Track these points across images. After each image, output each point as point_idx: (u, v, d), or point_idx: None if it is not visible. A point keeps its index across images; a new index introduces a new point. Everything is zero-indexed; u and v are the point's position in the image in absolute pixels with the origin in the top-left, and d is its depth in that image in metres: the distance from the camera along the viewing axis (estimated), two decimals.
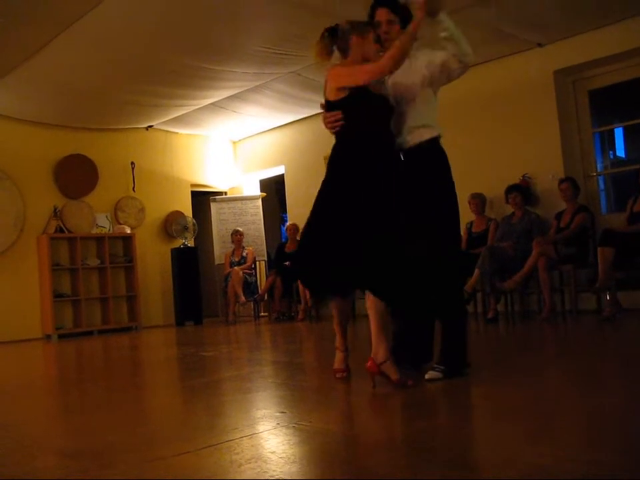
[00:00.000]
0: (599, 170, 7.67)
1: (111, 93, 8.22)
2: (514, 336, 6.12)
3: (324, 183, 3.47)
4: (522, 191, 7.33)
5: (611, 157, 8.38)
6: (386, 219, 3.33)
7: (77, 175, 9.75)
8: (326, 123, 3.50)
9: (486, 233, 7.56)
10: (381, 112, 3.49)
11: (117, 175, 10.23)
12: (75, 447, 2.63)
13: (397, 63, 3.30)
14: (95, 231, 9.89)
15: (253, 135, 11.14)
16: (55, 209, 9.53)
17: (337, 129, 3.45)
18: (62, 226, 9.54)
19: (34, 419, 3.42)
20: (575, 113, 7.63)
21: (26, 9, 5.74)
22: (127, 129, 10.18)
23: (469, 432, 2.53)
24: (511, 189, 7.34)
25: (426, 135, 3.63)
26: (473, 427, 2.62)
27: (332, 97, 3.46)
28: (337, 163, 3.46)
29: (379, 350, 3.30)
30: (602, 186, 7.70)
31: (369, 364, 3.31)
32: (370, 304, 3.34)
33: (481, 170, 7.94)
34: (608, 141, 8.22)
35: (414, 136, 3.58)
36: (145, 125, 10.22)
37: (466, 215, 7.81)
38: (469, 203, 7.71)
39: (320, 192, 3.46)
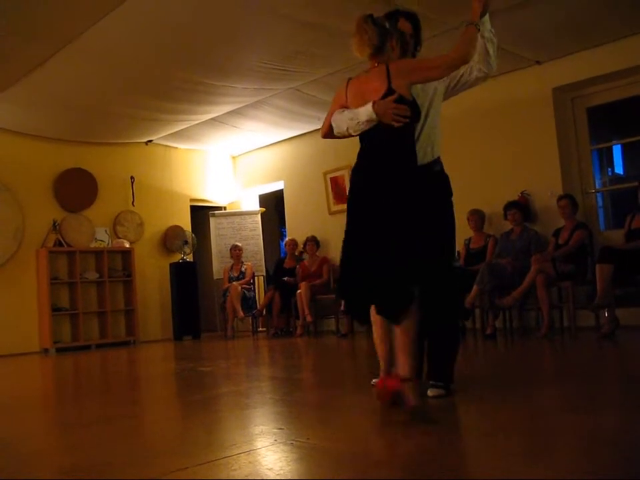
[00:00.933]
0: (597, 187, 7.69)
1: (111, 107, 8.25)
2: (512, 352, 6.12)
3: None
4: (520, 208, 7.34)
5: (609, 174, 8.41)
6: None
7: (76, 189, 9.77)
8: (391, 113, 3.12)
9: (484, 249, 7.57)
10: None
11: (116, 189, 10.25)
12: (72, 463, 2.62)
13: (467, 55, 3.19)
14: (93, 245, 9.89)
15: (253, 150, 11.17)
16: (54, 223, 9.54)
17: (399, 124, 3.15)
18: (61, 239, 9.54)
19: (31, 433, 3.41)
20: (573, 130, 7.66)
21: (27, 24, 5.77)
22: (126, 143, 10.21)
23: (466, 449, 2.52)
24: (509, 206, 7.36)
25: (437, 152, 3.72)
26: (470, 443, 2.61)
27: (407, 94, 3.21)
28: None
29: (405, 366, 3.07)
30: (600, 203, 7.72)
31: (391, 382, 3.09)
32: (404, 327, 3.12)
33: (480, 186, 7.96)
34: (606, 158, 8.25)
35: (426, 152, 3.63)
36: (145, 140, 10.25)
37: (464, 231, 7.83)
38: (468, 219, 7.73)
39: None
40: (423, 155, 3.57)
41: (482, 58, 3.47)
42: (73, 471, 2.45)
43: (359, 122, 3.20)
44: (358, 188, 3.25)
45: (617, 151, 8.44)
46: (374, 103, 3.14)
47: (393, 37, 3.27)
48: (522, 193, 7.61)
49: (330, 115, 3.44)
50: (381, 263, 3.09)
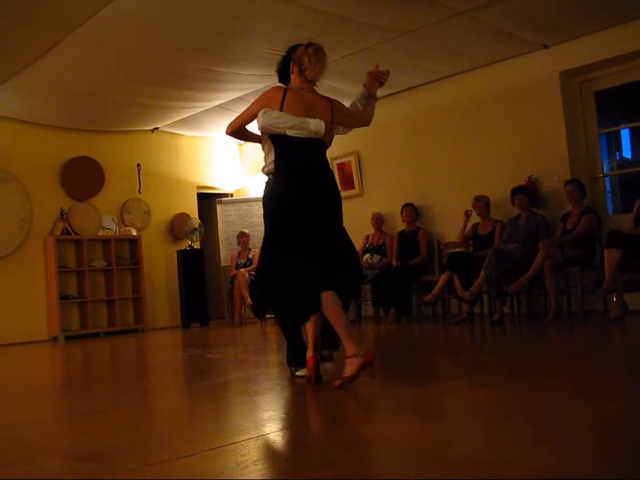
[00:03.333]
0: (605, 171, 7.65)
1: (116, 95, 8.24)
2: (520, 338, 6.11)
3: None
4: (528, 193, 7.31)
5: (617, 158, 8.36)
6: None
7: (83, 177, 9.78)
8: (330, 137, 3.90)
9: (492, 234, 7.55)
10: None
11: (123, 177, 10.25)
12: (81, 449, 2.64)
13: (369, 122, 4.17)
14: (101, 233, 9.91)
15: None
16: (62, 211, 9.55)
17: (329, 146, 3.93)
18: (68, 228, 9.56)
19: (40, 420, 3.43)
20: (581, 114, 7.61)
21: (33, 12, 5.76)
22: (133, 131, 10.20)
23: (472, 434, 2.52)
24: (516, 191, 7.32)
25: None
26: (477, 428, 2.62)
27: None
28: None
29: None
30: (608, 187, 7.68)
31: (367, 356, 3.43)
32: (330, 308, 3.60)
33: (487, 171, 7.95)
34: (614, 142, 8.20)
35: None
36: (151, 127, 10.24)
37: (472, 217, 7.82)
38: (473, 205, 7.71)
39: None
40: None
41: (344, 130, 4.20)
42: (81, 457, 2.47)
43: (306, 129, 3.73)
44: (297, 193, 3.75)
45: (625, 135, 8.39)
46: (326, 124, 3.78)
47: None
48: (529, 177, 7.57)
49: (249, 111, 3.92)
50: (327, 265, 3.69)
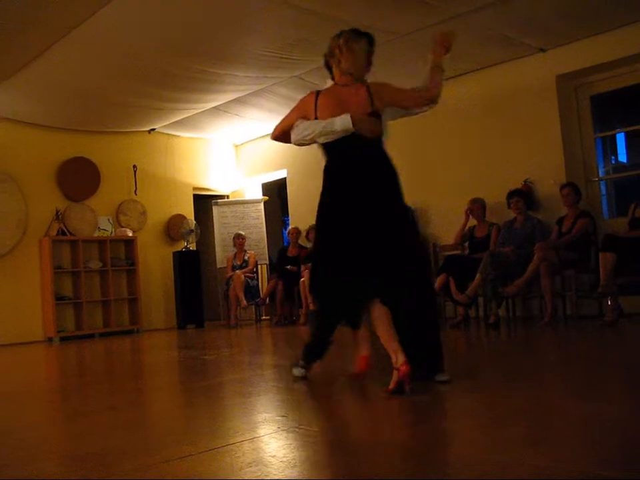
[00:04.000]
0: (600, 175, 7.67)
1: (113, 96, 8.24)
2: (515, 341, 6.12)
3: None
4: (524, 196, 7.33)
5: (613, 162, 8.39)
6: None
7: (79, 178, 9.77)
8: (367, 126, 3.44)
9: (488, 238, 7.56)
10: None
11: (119, 178, 10.25)
12: (77, 450, 2.63)
13: (440, 95, 3.59)
14: (97, 234, 9.90)
15: (255, 139, 11.15)
16: (57, 212, 9.54)
17: (372, 135, 3.48)
18: (64, 229, 9.55)
19: (36, 422, 3.42)
20: (576, 117, 7.63)
21: (29, 12, 5.76)
22: (129, 132, 10.20)
23: (468, 435, 2.52)
24: (512, 194, 7.34)
25: None
26: (472, 430, 2.62)
27: (379, 108, 3.53)
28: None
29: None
30: (604, 191, 7.70)
31: (404, 368, 3.20)
32: (379, 314, 3.37)
33: (483, 174, 7.96)
34: (610, 146, 8.24)
35: None
36: (148, 128, 10.24)
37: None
38: (470, 208, 7.72)
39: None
40: None
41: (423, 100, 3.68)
42: (77, 459, 2.46)
43: (333, 130, 3.40)
44: (337, 198, 3.48)
45: (620, 139, 8.42)
46: (352, 115, 3.39)
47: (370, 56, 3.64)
48: (525, 181, 7.59)
49: (288, 119, 3.66)
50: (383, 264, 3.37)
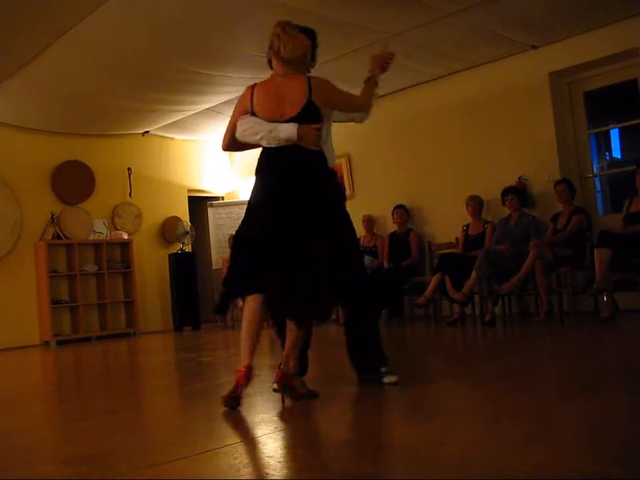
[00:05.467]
0: (595, 171, 7.68)
1: (106, 99, 8.22)
2: (512, 338, 6.13)
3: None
4: (518, 193, 7.33)
5: (607, 158, 8.39)
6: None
7: (73, 182, 9.76)
8: (312, 138, 3.32)
9: (483, 235, 7.57)
10: None
11: (113, 180, 10.23)
12: (74, 453, 2.63)
13: (371, 106, 3.65)
14: (92, 237, 9.89)
15: None
16: (52, 216, 9.53)
17: (316, 148, 3.37)
18: (59, 232, 9.53)
19: (33, 425, 3.42)
20: (570, 114, 7.64)
21: (22, 17, 5.74)
22: (123, 134, 10.18)
23: (464, 434, 2.53)
24: (507, 191, 7.34)
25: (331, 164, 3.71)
26: (468, 428, 2.62)
27: (324, 109, 3.43)
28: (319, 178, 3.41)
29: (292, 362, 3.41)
30: (598, 187, 7.71)
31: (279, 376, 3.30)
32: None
33: (477, 172, 7.97)
34: (604, 142, 8.24)
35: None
36: (141, 131, 10.22)
37: (463, 217, 7.84)
38: (467, 205, 7.73)
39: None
40: None
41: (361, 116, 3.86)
42: (73, 461, 2.46)
43: (277, 138, 3.30)
44: (273, 199, 3.32)
45: (614, 134, 8.42)
46: (298, 127, 3.27)
47: (311, 50, 3.59)
48: (519, 178, 7.60)
49: (232, 125, 3.53)
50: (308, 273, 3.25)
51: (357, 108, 3.66)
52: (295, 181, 3.30)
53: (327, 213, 3.34)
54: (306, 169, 3.35)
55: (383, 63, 3.69)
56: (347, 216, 3.54)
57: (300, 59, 3.45)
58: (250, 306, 3.36)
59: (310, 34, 3.66)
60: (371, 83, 3.60)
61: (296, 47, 3.40)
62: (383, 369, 3.55)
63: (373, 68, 3.66)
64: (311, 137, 3.30)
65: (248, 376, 3.20)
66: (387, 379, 3.50)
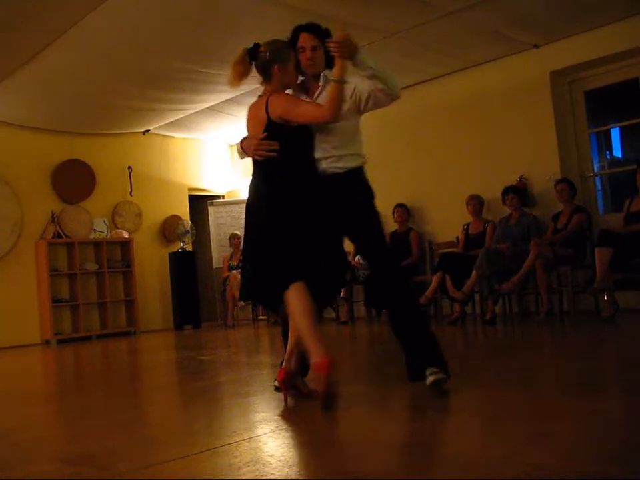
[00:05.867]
0: (595, 170, 7.68)
1: (107, 97, 8.22)
2: (512, 337, 6.13)
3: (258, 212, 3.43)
4: (519, 192, 7.33)
5: (608, 157, 8.39)
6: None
7: (74, 180, 9.75)
8: (253, 150, 3.41)
9: (483, 234, 7.57)
10: (309, 140, 3.51)
11: (114, 179, 10.23)
12: (74, 452, 2.63)
13: (337, 114, 3.25)
14: (92, 236, 9.89)
15: None
16: (53, 214, 9.53)
17: (261, 158, 3.41)
18: (60, 231, 9.53)
19: (33, 424, 3.42)
20: (571, 113, 7.64)
21: (22, 15, 5.74)
22: (123, 133, 10.18)
23: (465, 433, 2.53)
24: (507, 191, 7.34)
25: (352, 163, 3.58)
26: (469, 427, 2.62)
27: (276, 120, 3.39)
28: (275, 195, 3.38)
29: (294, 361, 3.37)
30: (599, 186, 7.71)
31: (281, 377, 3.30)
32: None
33: (478, 171, 7.96)
34: (604, 142, 8.24)
35: (339, 164, 3.53)
36: (142, 130, 10.22)
37: (463, 217, 7.84)
38: (467, 204, 7.73)
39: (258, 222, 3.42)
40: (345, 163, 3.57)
41: (380, 93, 3.37)
42: (74, 461, 2.46)
43: (239, 152, 3.61)
44: (249, 205, 3.52)
45: (615, 134, 8.42)
46: (241, 141, 3.53)
47: (271, 67, 3.43)
48: (520, 177, 7.59)
49: None
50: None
51: (316, 120, 3.33)
52: (255, 190, 3.51)
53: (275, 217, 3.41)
54: (265, 175, 3.47)
55: (333, 53, 3.23)
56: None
57: (263, 79, 3.54)
58: (297, 296, 3.26)
59: (311, 31, 3.52)
60: (333, 84, 3.25)
61: (233, 75, 3.60)
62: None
63: (339, 65, 3.25)
64: (252, 147, 3.43)
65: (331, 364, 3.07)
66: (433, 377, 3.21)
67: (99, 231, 9.98)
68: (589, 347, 4.92)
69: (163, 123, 9.81)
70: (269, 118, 3.39)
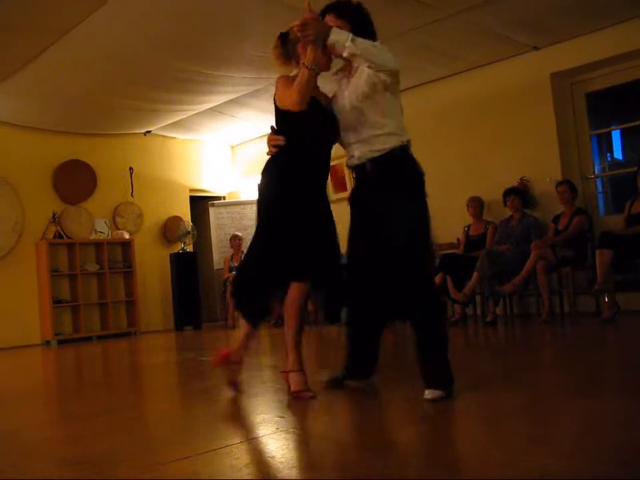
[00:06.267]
0: (596, 172, 7.68)
1: (108, 98, 8.23)
2: (513, 339, 6.12)
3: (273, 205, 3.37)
4: (520, 194, 7.33)
5: (609, 159, 8.39)
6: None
7: (75, 181, 9.76)
8: (268, 144, 3.45)
9: (484, 236, 7.57)
10: (326, 129, 3.38)
11: (115, 180, 10.24)
12: (74, 453, 2.63)
13: (300, 100, 3.12)
14: (93, 237, 9.89)
15: (251, 140, 11.14)
16: (54, 215, 9.53)
17: (270, 154, 3.43)
18: (61, 231, 9.54)
19: (33, 425, 3.42)
20: (572, 115, 7.64)
21: (24, 16, 5.75)
22: (125, 134, 10.19)
23: (466, 435, 2.53)
24: (508, 192, 7.34)
25: (389, 143, 3.26)
26: (470, 430, 2.62)
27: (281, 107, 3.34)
28: (285, 186, 3.35)
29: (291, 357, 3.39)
30: (600, 188, 7.71)
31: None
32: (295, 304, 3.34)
33: (479, 173, 7.96)
34: (605, 143, 8.23)
35: (373, 146, 3.26)
36: (143, 130, 10.22)
37: (463, 218, 7.84)
38: (467, 206, 7.73)
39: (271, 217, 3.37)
40: (381, 144, 3.28)
41: (373, 72, 3.17)
42: (75, 461, 2.46)
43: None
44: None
45: (616, 136, 8.42)
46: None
47: (296, 45, 3.35)
48: (521, 179, 7.59)
49: None
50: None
51: (286, 103, 3.22)
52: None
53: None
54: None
55: (300, 37, 3.19)
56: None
57: (284, 59, 3.45)
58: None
59: (337, 11, 3.32)
60: (301, 69, 3.18)
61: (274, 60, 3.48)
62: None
63: (308, 51, 3.17)
64: (270, 144, 3.42)
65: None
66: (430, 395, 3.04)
67: (99, 232, 9.99)
68: (590, 348, 4.91)
69: (164, 124, 9.82)
70: (275, 105, 3.33)
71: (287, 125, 3.35)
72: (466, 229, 7.80)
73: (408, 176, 3.30)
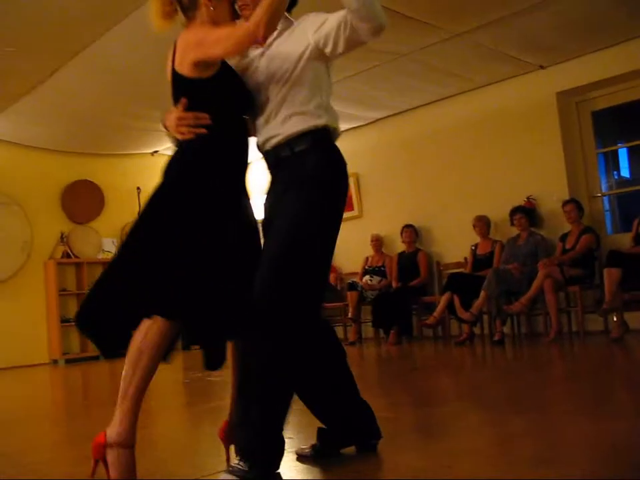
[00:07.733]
0: (603, 190, 7.68)
1: (116, 118, 8.28)
2: (521, 358, 6.10)
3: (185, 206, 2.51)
4: (527, 213, 7.33)
5: (616, 177, 8.39)
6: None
7: (83, 201, 9.81)
8: (179, 125, 2.59)
9: (491, 255, 7.56)
10: (247, 103, 2.54)
11: (123, 200, 10.27)
12: (81, 473, 2.62)
13: (268, 27, 2.20)
14: (101, 256, 9.91)
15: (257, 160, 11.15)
16: (62, 235, 9.57)
17: (185, 137, 2.56)
18: (69, 251, 9.57)
19: (40, 446, 3.41)
20: (578, 134, 7.65)
21: (34, 38, 5.81)
22: (132, 154, 10.24)
23: (474, 455, 2.51)
24: (515, 211, 7.35)
25: (301, 124, 2.46)
26: (478, 450, 2.60)
27: (190, 74, 2.52)
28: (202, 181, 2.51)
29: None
30: (607, 206, 7.70)
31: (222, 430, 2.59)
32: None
33: (486, 192, 7.96)
34: (612, 162, 8.24)
35: (287, 127, 2.47)
36: (151, 150, 10.27)
37: (470, 237, 7.83)
38: (474, 225, 7.73)
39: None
40: (293, 126, 2.48)
41: (354, 14, 2.40)
42: None
43: (166, 134, 2.69)
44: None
45: (622, 154, 8.43)
46: (165, 117, 2.57)
47: None
48: (528, 197, 7.59)
49: None
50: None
51: (240, 41, 2.30)
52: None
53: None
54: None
55: None
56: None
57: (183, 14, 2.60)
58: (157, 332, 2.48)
59: None
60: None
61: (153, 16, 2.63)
62: None
63: None
64: (173, 123, 2.59)
65: None
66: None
67: (107, 251, 10.01)
68: (599, 368, 4.89)
69: (170, 144, 9.85)
70: (175, 73, 2.53)
71: (202, 97, 2.51)
72: (473, 247, 7.80)
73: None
